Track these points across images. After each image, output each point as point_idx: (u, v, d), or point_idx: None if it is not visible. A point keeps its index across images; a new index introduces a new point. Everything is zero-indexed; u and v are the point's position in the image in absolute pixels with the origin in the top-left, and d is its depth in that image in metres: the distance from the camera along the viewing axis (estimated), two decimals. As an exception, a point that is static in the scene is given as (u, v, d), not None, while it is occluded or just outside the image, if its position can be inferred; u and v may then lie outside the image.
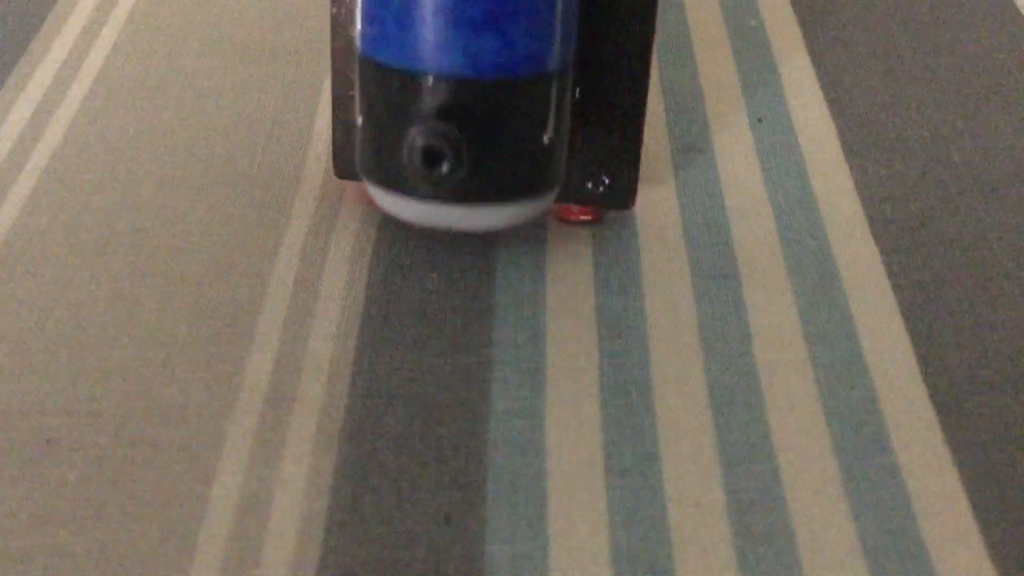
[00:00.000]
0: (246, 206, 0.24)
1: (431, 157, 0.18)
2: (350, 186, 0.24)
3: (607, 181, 0.22)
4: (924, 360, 0.20)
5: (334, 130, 0.23)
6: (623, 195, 0.22)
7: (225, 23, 0.30)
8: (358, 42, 0.20)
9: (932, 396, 0.20)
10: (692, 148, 0.26)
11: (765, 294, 0.22)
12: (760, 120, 0.26)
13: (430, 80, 0.19)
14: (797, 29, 0.29)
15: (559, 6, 0.19)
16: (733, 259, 0.23)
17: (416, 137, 0.18)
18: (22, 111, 0.27)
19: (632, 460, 0.19)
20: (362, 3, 0.19)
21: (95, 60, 0.28)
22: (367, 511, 0.18)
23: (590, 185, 0.22)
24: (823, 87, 0.27)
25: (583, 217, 0.23)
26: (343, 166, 0.23)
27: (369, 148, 0.20)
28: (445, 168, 0.19)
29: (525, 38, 0.19)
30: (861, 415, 0.19)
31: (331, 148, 0.23)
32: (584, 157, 0.22)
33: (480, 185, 0.19)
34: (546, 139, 0.20)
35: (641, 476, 0.18)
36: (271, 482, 0.18)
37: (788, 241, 0.23)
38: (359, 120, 0.20)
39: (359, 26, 0.20)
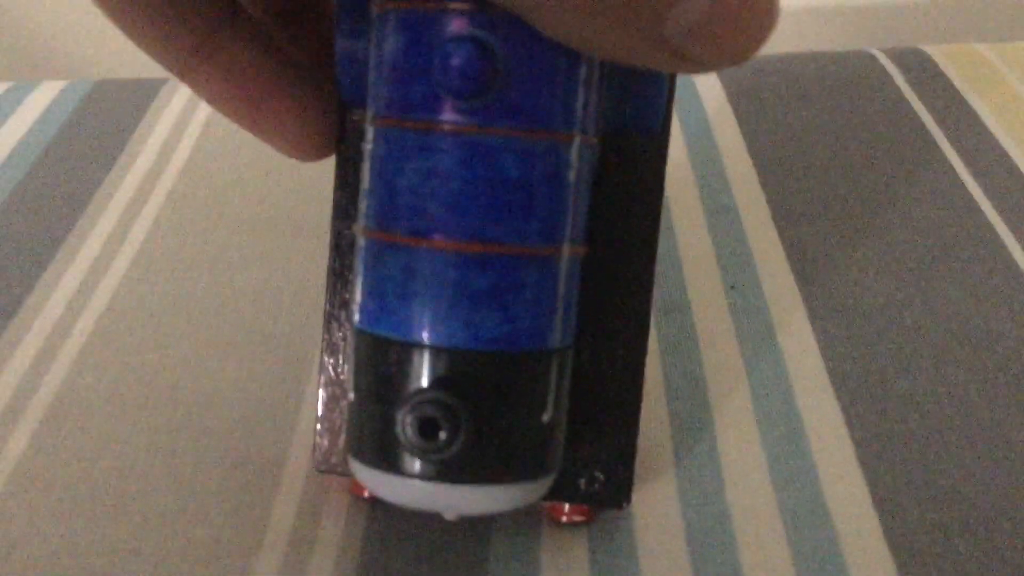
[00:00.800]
0: (272, 364, 0.26)
1: (427, 427, 0.18)
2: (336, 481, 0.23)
3: (601, 478, 0.21)
4: (880, 504, 0.23)
5: (320, 420, 0.22)
6: (618, 493, 0.21)
7: (253, 201, 0.33)
8: (355, 317, 0.19)
9: (887, 536, 0.22)
10: (673, 309, 0.28)
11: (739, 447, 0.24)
12: (733, 287, 0.29)
13: (427, 351, 0.18)
14: (765, 206, 0.33)
15: (562, 281, 0.19)
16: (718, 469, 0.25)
17: (411, 407, 0.18)
18: (71, 280, 0.30)
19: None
20: (362, 278, 0.19)
21: (137, 234, 0.32)
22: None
23: (582, 482, 0.21)
24: (789, 258, 0.30)
25: (576, 518, 0.22)
26: (327, 459, 0.22)
27: (360, 425, 0.19)
28: (442, 439, 0.17)
29: (527, 312, 0.18)
30: (824, 554, 0.22)
31: (313, 443, 0.22)
32: (575, 451, 0.21)
33: (476, 464, 0.18)
34: (545, 418, 0.19)
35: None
36: (293, 615, 0.20)
37: (759, 395, 0.26)
38: (350, 396, 0.19)
39: (357, 300, 0.19)
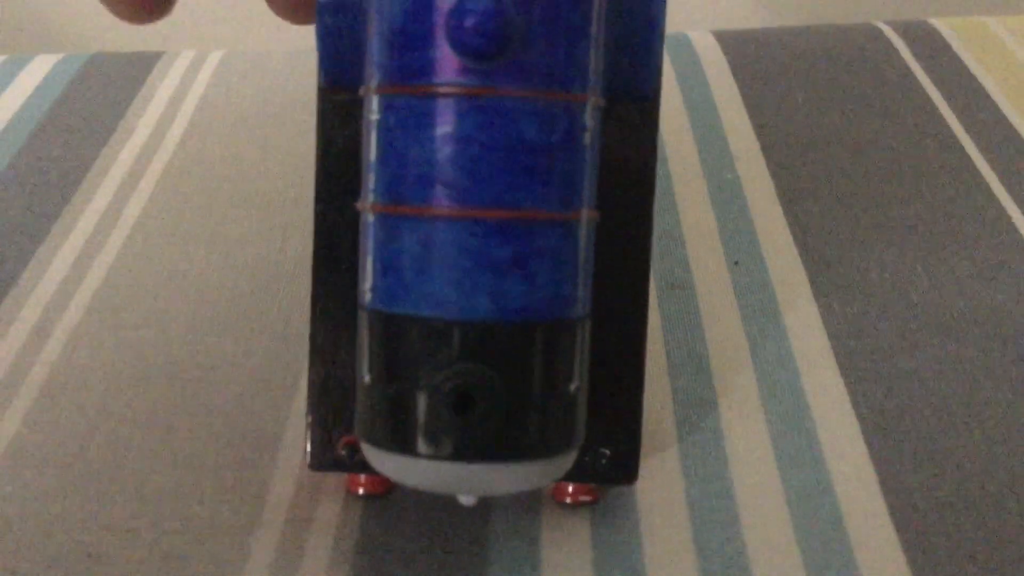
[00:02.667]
0: (269, 340, 0.26)
1: (463, 403, 0.17)
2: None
3: (607, 454, 0.21)
4: (885, 481, 0.22)
5: (311, 417, 0.21)
6: (625, 469, 0.21)
7: (250, 177, 0.33)
8: (367, 297, 0.18)
9: (892, 514, 0.22)
10: (676, 285, 0.28)
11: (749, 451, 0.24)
12: (736, 263, 0.29)
13: (452, 326, 0.17)
14: (770, 181, 0.32)
15: (583, 247, 0.18)
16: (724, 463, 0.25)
17: (443, 381, 0.17)
18: (66, 256, 0.29)
19: None
20: (373, 256, 0.18)
21: (133, 210, 0.31)
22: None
23: (588, 460, 0.21)
24: (793, 233, 0.30)
25: (583, 498, 0.21)
26: (322, 456, 0.21)
27: (379, 409, 0.18)
28: (478, 415, 0.17)
29: (552, 279, 0.18)
30: (828, 533, 0.21)
31: (307, 437, 0.21)
32: None
33: (509, 439, 0.18)
34: (573, 388, 0.18)
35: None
36: (291, 593, 0.20)
37: (763, 372, 0.25)
38: (365, 380, 0.18)
39: (368, 280, 0.18)
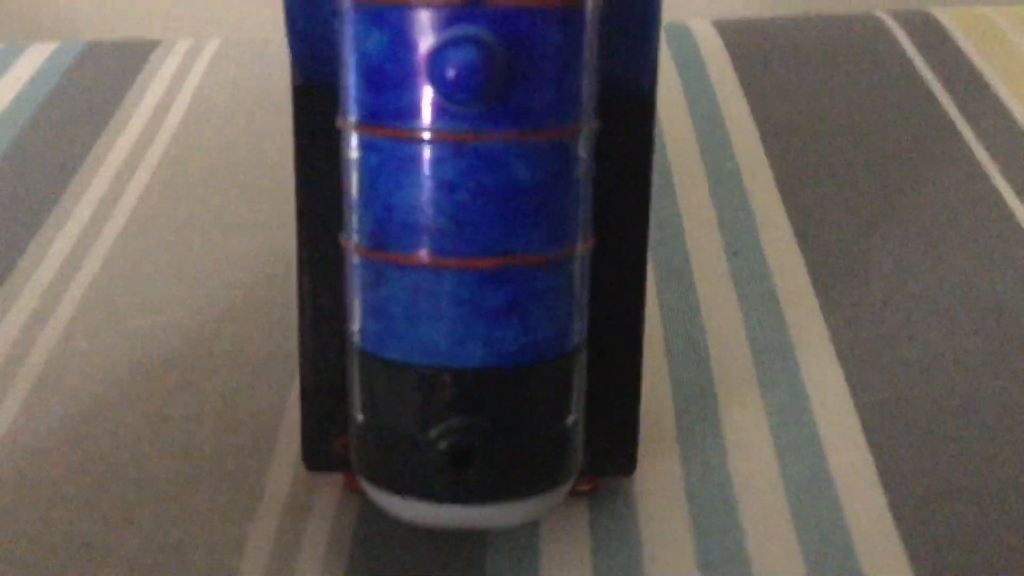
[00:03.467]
0: (267, 329, 0.26)
1: (459, 458, 0.17)
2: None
3: (605, 445, 0.21)
4: (884, 472, 0.22)
5: (305, 418, 0.21)
6: (623, 460, 0.21)
7: (248, 166, 0.33)
8: (356, 338, 0.18)
9: (891, 505, 0.22)
10: (675, 275, 0.28)
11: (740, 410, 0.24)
12: (736, 252, 0.29)
13: (443, 374, 0.17)
14: (769, 170, 0.32)
15: (577, 280, 0.18)
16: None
17: (439, 439, 0.17)
18: (63, 244, 0.29)
19: None
20: (360, 298, 0.18)
21: (130, 198, 0.31)
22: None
23: (586, 450, 0.20)
24: (793, 223, 0.30)
25: (580, 488, 0.21)
26: (317, 455, 0.21)
27: (374, 449, 0.18)
28: (475, 469, 0.17)
29: (547, 320, 0.17)
30: (827, 524, 0.21)
31: (300, 437, 0.21)
32: None
33: (506, 481, 0.17)
34: (569, 421, 0.18)
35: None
36: (288, 583, 0.20)
37: (762, 362, 0.25)
38: (358, 418, 0.18)
39: (357, 321, 0.18)
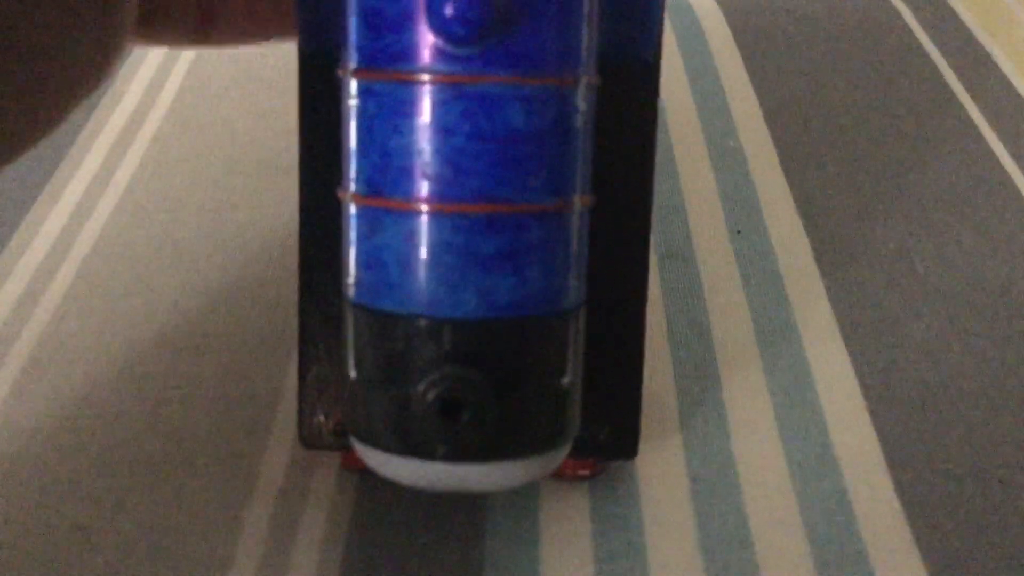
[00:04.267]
0: (263, 309, 0.26)
1: (449, 409, 0.16)
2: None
3: (607, 429, 0.20)
4: (890, 454, 0.22)
5: (302, 395, 0.20)
6: (625, 443, 0.20)
7: (242, 143, 0.32)
8: (350, 291, 0.18)
9: (897, 487, 0.21)
10: (677, 254, 0.28)
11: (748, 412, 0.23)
12: (739, 231, 0.29)
13: (438, 324, 0.17)
14: (772, 149, 0.32)
15: (575, 236, 0.18)
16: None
17: (429, 388, 0.16)
18: (55, 222, 0.29)
19: None
20: (356, 250, 0.18)
21: (122, 176, 0.31)
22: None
23: (588, 435, 0.20)
24: (796, 201, 0.30)
25: (580, 472, 0.21)
26: (314, 434, 0.20)
27: (365, 406, 0.18)
28: (466, 421, 0.16)
29: (542, 273, 0.17)
30: (832, 505, 0.21)
31: (297, 416, 0.21)
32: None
33: (498, 439, 0.17)
34: (565, 382, 0.18)
35: None
36: (284, 567, 0.20)
37: (765, 343, 0.25)
38: (351, 375, 0.18)
39: (351, 274, 0.18)
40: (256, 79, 0.35)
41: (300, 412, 0.20)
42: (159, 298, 0.26)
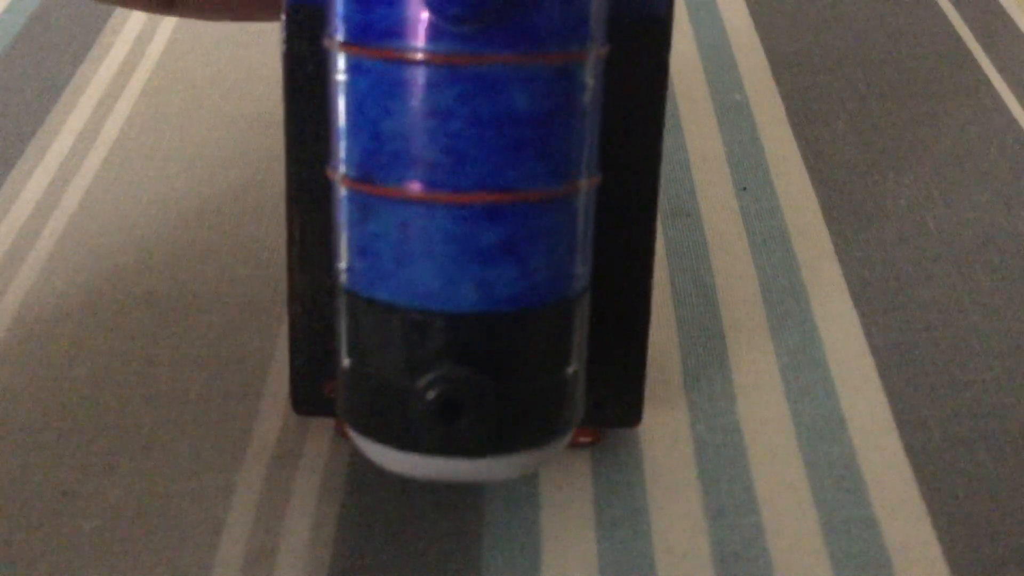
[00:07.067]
0: (254, 268, 0.25)
1: (448, 411, 0.16)
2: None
3: (610, 396, 0.20)
4: (900, 417, 0.21)
5: (293, 360, 0.20)
6: (629, 411, 0.20)
7: (233, 97, 0.31)
8: (343, 277, 0.17)
9: (908, 451, 0.21)
10: (681, 212, 0.27)
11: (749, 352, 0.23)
12: (745, 188, 0.28)
13: (435, 318, 0.16)
14: (779, 103, 0.31)
15: (580, 220, 0.17)
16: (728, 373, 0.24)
17: (428, 389, 0.16)
18: (40, 179, 0.28)
19: None
20: (347, 235, 0.17)
21: (110, 131, 0.30)
22: (369, 562, 0.19)
23: (590, 402, 0.19)
24: (804, 157, 0.29)
25: (582, 439, 0.20)
26: (306, 399, 0.20)
27: (360, 396, 0.17)
28: (465, 422, 0.16)
29: (546, 262, 0.16)
30: (840, 470, 0.20)
31: (289, 380, 0.20)
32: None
33: (499, 433, 0.16)
34: (570, 371, 0.17)
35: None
36: (277, 533, 0.19)
37: (772, 303, 0.24)
38: (345, 363, 0.17)
39: (344, 259, 0.17)
40: (248, 31, 0.34)
41: (292, 379, 0.20)
42: (147, 257, 0.25)
